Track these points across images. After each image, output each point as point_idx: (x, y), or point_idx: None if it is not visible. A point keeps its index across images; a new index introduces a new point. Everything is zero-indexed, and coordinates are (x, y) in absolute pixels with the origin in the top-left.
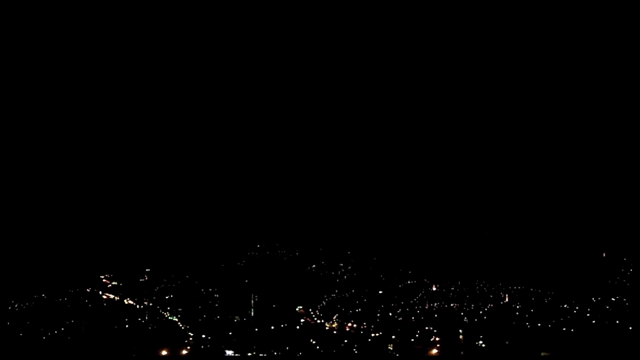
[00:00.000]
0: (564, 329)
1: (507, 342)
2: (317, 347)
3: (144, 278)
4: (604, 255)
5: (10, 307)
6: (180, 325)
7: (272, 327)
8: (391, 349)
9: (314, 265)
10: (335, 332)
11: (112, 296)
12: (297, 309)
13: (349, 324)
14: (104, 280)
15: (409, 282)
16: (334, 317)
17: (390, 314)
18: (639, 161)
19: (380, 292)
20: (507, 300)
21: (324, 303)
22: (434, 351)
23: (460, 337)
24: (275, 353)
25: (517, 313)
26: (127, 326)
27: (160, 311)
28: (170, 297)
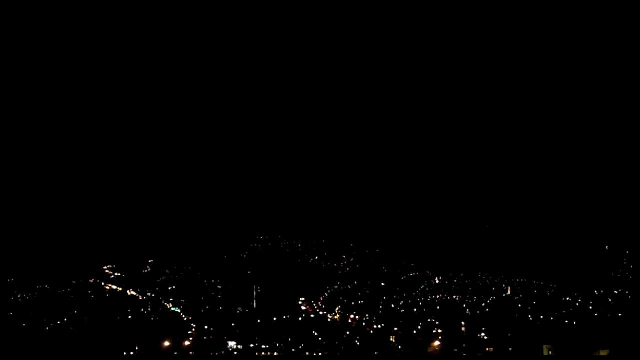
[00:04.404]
0: (566, 321)
1: (509, 335)
2: (320, 339)
3: (147, 269)
4: (606, 248)
5: (13, 298)
6: (183, 317)
7: (275, 319)
8: (393, 340)
9: (316, 257)
10: (337, 323)
11: (114, 287)
12: (299, 301)
13: (352, 316)
14: (106, 271)
15: (411, 274)
16: (337, 309)
17: (393, 305)
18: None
19: (383, 284)
20: (509, 292)
21: (327, 295)
22: (436, 343)
23: (463, 329)
24: (277, 344)
25: (520, 305)
26: (129, 317)
27: (163, 302)
28: (172, 289)
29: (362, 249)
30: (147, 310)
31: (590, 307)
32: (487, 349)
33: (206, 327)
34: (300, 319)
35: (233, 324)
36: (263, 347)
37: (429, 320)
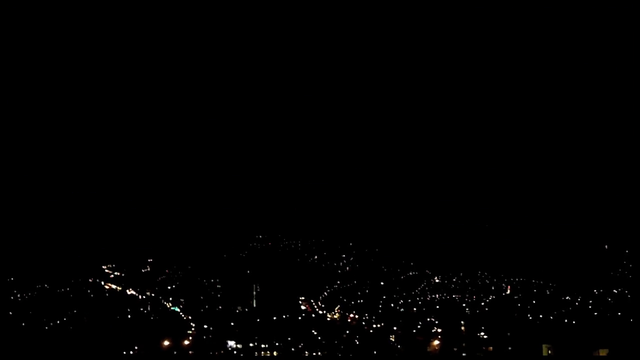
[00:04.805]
0: (566, 320)
1: (508, 334)
2: (319, 338)
3: (146, 268)
4: (605, 247)
5: (13, 297)
6: (183, 316)
7: (274, 318)
8: (393, 340)
9: (316, 256)
10: (337, 323)
11: (114, 286)
12: (299, 300)
13: (351, 315)
14: (106, 270)
15: (410, 273)
16: (336, 308)
17: (392, 305)
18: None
19: (382, 283)
20: (508, 291)
21: (326, 294)
22: (436, 342)
23: (462, 328)
24: (277, 344)
25: (519, 304)
26: (129, 316)
27: (163, 301)
28: (172, 288)
29: (361, 248)
30: (147, 310)
31: (590, 307)
32: (487, 348)
33: (205, 327)
34: (300, 318)
35: (232, 323)
36: (262, 346)
37: (428, 319)
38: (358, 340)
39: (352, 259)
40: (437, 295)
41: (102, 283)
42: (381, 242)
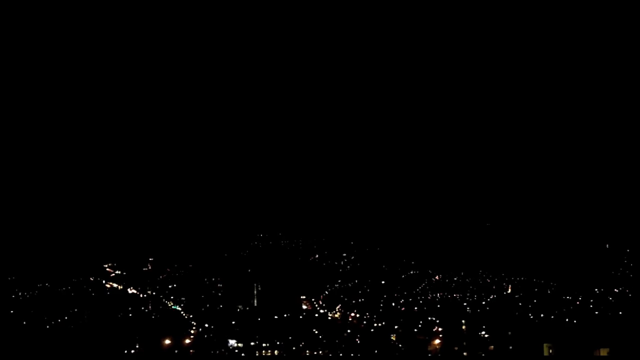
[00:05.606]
0: (567, 320)
1: (509, 333)
2: (320, 337)
3: (148, 267)
4: (606, 246)
5: (14, 296)
6: (184, 315)
7: (275, 317)
8: (394, 339)
9: (317, 255)
10: (338, 322)
11: (115, 285)
12: (300, 299)
13: (352, 314)
14: (107, 269)
15: (411, 272)
16: (337, 307)
17: (393, 304)
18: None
19: (383, 282)
20: (509, 291)
21: (327, 293)
22: (437, 341)
23: (463, 327)
24: (278, 343)
25: (520, 304)
26: (130, 315)
27: (164, 300)
28: (173, 287)
29: (362, 247)
30: (148, 309)
31: (591, 306)
32: (488, 348)
33: (207, 325)
34: (301, 317)
35: (233, 322)
36: (263, 345)
37: (429, 318)
38: (359, 340)
39: (353, 257)
40: (438, 295)
41: (103, 282)
42: (382, 241)
